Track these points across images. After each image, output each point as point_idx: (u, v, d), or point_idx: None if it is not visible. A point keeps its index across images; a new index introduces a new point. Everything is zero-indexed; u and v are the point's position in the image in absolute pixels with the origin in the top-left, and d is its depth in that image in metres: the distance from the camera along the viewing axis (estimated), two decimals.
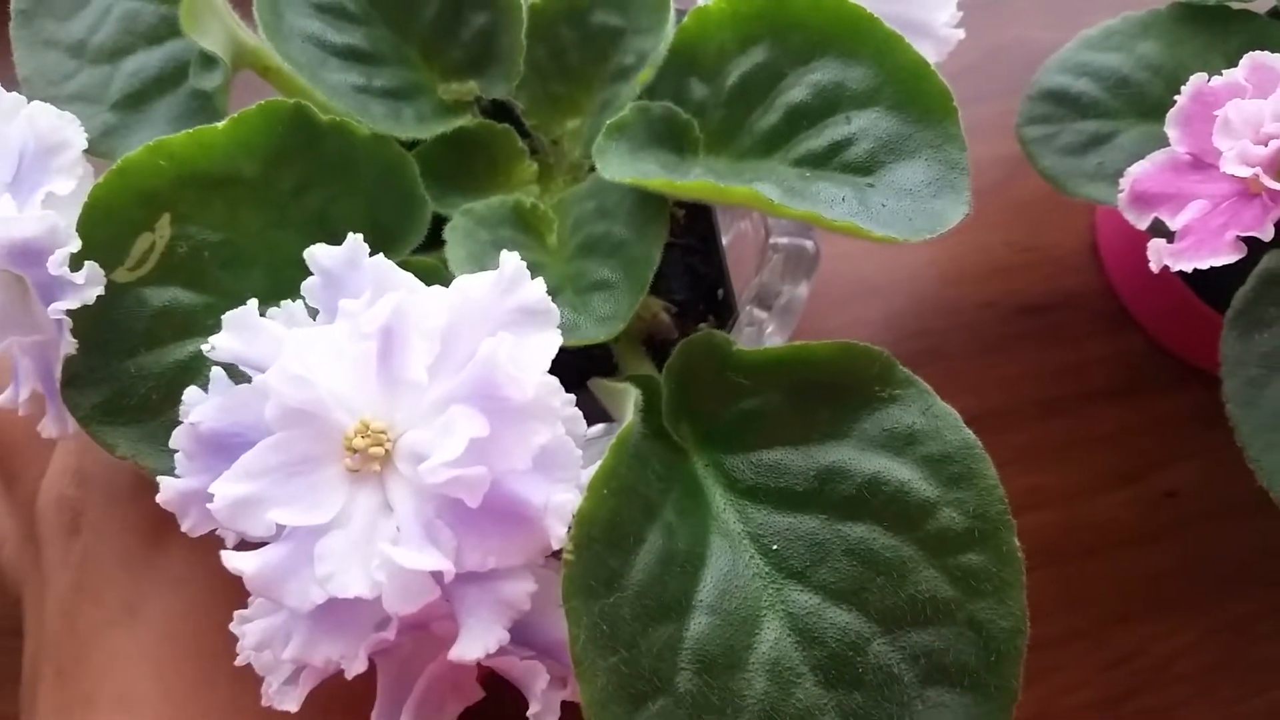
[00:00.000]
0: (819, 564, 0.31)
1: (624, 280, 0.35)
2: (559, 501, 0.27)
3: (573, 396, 0.29)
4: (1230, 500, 0.54)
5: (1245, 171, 0.35)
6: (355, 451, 0.27)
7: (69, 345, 0.32)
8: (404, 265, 0.32)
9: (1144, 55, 0.47)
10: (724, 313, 0.44)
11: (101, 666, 0.36)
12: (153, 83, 0.41)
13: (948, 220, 0.33)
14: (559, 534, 0.27)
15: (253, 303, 0.29)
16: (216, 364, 0.29)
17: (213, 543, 0.29)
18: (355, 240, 0.30)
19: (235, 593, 0.34)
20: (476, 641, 0.27)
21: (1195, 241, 0.37)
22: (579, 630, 0.29)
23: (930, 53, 0.41)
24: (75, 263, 0.31)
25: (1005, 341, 0.58)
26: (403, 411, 0.28)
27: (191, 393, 0.29)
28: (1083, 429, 0.56)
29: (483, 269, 0.30)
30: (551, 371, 0.28)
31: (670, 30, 0.37)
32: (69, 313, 0.31)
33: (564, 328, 0.32)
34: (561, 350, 0.29)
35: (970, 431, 0.32)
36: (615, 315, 0.34)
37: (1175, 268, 0.37)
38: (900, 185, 0.34)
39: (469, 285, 0.29)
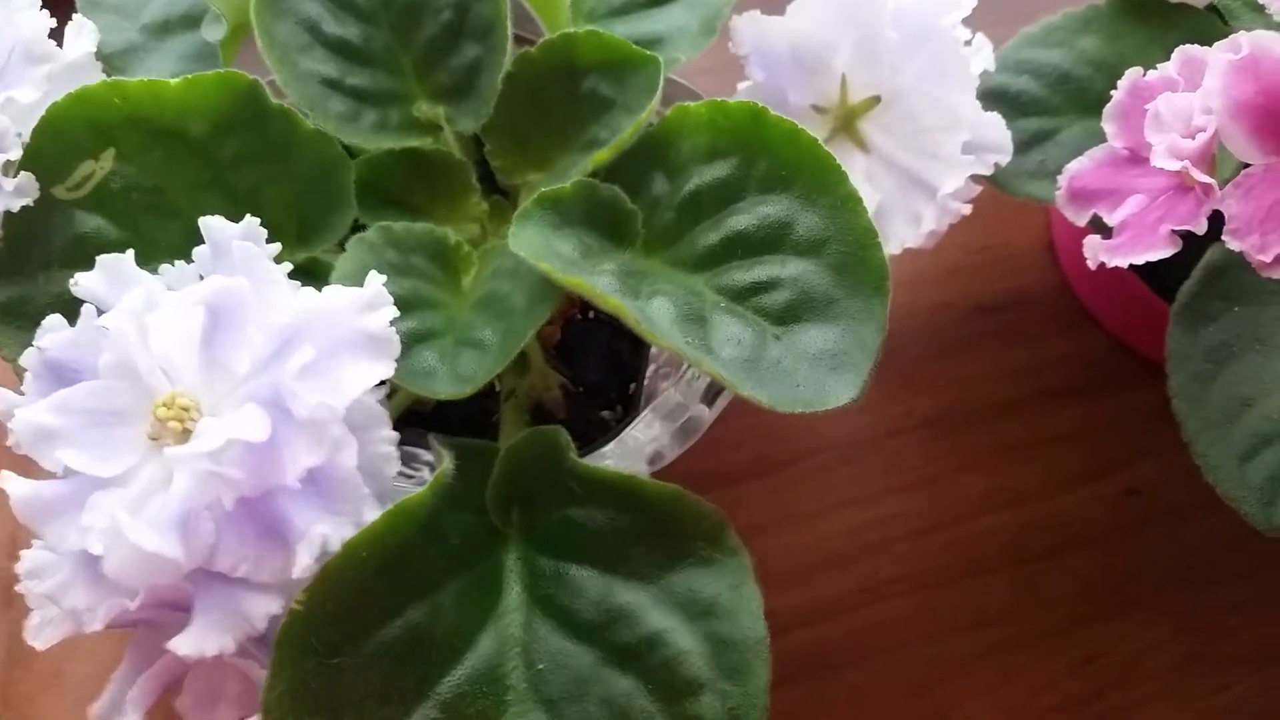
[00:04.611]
0: (573, 701, 0.31)
1: (497, 346, 0.34)
2: (317, 532, 0.27)
3: (395, 435, 0.29)
4: (1193, 496, 0.53)
5: (1174, 165, 0.35)
6: (159, 420, 0.28)
7: None
8: (314, 261, 0.33)
9: (1085, 51, 0.47)
10: (631, 407, 0.43)
11: None
12: (180, 17, 0.43)
13: (831, 401, 0.32)
14: (305, 564, 0.27)
15: (130, 253, 0.30)
16: (85, 300, 0.30)
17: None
18: (251, 223, 0.31)
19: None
20: (198, 640, 0.27)
21: (1131, 236, 0.37)
22: (278, 681, 0.28)
23: (930, 218, 0.40)
24: (14, 170, 0.33)
25: (963, 342, 0.57)
26: (214, 396, 0.28)
27: (53, 319, 0.29)
28: (1043, 428, 0.55)
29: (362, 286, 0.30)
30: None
31: (646, 117, 0.37)
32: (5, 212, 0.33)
33: (422, 373, 0.32)
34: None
35: (765, 626, 0.31)
36: (472, 378, 0.33)
37: (1111, 264, 0.37)
38: (804, 348, 0.33)
39: (332, 296, 0.29)
